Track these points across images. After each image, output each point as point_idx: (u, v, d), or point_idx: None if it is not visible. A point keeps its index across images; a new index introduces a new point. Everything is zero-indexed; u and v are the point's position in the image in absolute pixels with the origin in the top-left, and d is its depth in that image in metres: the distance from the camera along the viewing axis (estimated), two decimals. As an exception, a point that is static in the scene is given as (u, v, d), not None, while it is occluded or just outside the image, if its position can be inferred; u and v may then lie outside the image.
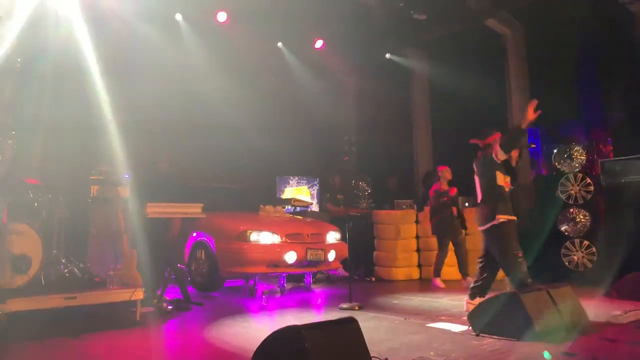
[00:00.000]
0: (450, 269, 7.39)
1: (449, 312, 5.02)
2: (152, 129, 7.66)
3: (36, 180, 4.94)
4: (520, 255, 4.51)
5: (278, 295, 6.28)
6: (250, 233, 5.98)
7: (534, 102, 4.47)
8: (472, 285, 4.89)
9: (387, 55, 10.27)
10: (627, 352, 3.54)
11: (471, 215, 7.69)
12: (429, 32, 9.43)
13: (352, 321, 3.06)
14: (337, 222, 7.21)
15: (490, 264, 4.73)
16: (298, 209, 7.93)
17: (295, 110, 9.81)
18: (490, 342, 3.73)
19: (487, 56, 8.79)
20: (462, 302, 5.53)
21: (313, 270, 6.66)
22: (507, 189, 4.73)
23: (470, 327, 4.07)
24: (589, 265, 6.74)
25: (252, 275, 6.15)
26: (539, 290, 4.07)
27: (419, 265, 8.21)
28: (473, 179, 7.26)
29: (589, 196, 6.87)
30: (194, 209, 5.58)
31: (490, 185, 4.70)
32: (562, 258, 6.91)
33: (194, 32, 8.46)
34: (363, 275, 8.28)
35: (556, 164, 7.24)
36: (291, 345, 2.76)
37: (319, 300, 6.13)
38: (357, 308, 5.16)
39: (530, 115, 4.45)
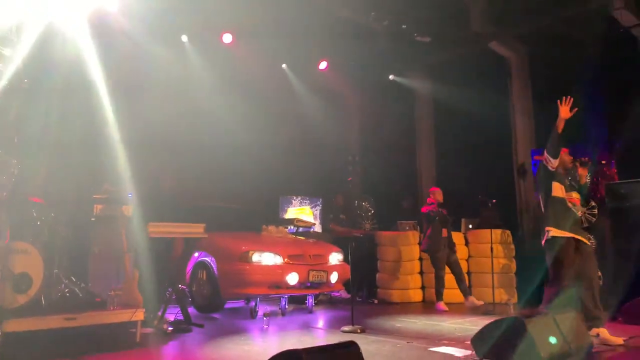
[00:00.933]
0: (452, 292, 7.33)
1: (453, 336, 4.95)
2: (156, 148, 7.71)
3: (40, 198, 4.95)
4: (564, 283, 4.24)
5: (279, 317, 6.22)
6: (252, 254, 5.94)
7: (570, 100, 4.32)
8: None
9: (391, 77, 10.36)
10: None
11: (474, 237, 7.68)
12: (432, 54, 9.52)
13: (352, 345, 3.02)
14: (340, 243, 7.18)
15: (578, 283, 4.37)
16: (301, 229, 7.91)
17: (299, 130, 9.86)
18: (494, 368, 3.67)
19: (491, 78, 8.85)
20: (465, 326, 5.48)
21: (315, 292, 6.60)
22: (570, 204, 4.51)
23: (474, 352, 4.01)
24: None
25: (254, 297, 6.10)
26: (543, 315, 4.01)
27: (422, 288, 8.14)
28: (487, 200, 7.26)
29: (594, 219, 6.83)
30: (197, 229, 5.57)
31: (546, 197, 4.52)
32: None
33: (200, 53, 8.57)
34: (365, 297, 8.21)
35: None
36: (291, 369, 2.73)
37: (321, 323, 6.07)
38: (359, 331, 5.10)
39: (564, 113, 4.31)
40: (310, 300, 6.73)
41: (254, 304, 6.10)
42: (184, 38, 8.52)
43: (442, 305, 7.01)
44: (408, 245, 8.08)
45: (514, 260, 7.86)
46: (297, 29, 8.17)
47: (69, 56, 6.75)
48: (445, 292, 7.20)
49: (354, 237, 7.39)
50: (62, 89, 6.45)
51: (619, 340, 4.42)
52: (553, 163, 4.46)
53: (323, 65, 9.73)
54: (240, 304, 6.97)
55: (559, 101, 4.40)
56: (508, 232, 7.91)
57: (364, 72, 10.10)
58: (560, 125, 4.42)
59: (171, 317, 5.34)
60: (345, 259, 6.70)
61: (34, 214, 4.76)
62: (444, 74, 9.41)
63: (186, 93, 8.47)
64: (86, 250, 5.28)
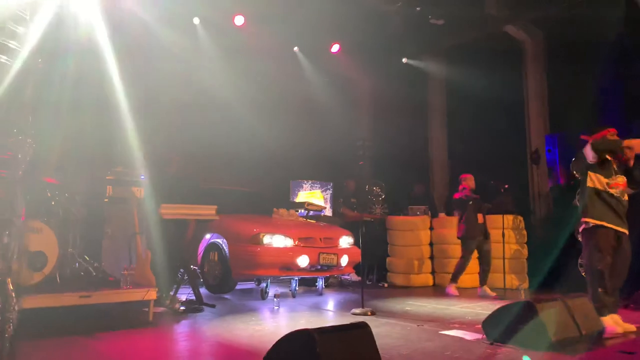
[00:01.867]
0: (467, 277, 7.29)
1: (463, 320, 4.96)
2: (169, 131, 7.72)
3: (54, 179, 5.01)
4: (600, 269, 4.26)
5: (290, 298, 6.27)
6: (264, 236, 5.98)
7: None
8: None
9: (404, 60, 10.25)
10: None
11: (486, 222, 7.62)
12: (446, 37, 9.39)
13: (364, 326, 3.04)
14: (351, 227, 7.18)
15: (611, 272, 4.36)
16: (311, 212, 7.92)
17: (310, 114, 9.82)
18: (504, 352, 3.67)
19: (505, 62, 8.71)
20: (476, 310, 5.48)
21: (325, 274, 6.63)
22: (614, 192, 4.43)
23: (485, 336, 4.01)
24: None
25: (265, 278, 6.15)
26: (555, 300, 4.00)
27: (433, 272, 8.15)
28: (500, 185, 7.14)
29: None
30: (208, 211, 5.60)
31: (582, 187, 4.51)
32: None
33: (212, 36, 8.53)
34: (375, 280, 8.24)
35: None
36: (303, 348, 2.75)
37: (331, 305, 6.11)
38: (369, 313, 5.12)
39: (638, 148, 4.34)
40: (321, 283, 6.77)
41: (264, 285, 6.16)
42: (196, 20, 8.47)
43: (453, 289, 6.96)
44: (419, 230, 8.07)
45: (525, 246, 7.82)
46: (309, 12, 8.09)
47: (82, 38, 6.76)
48: (460, 277, 7.14)
49: (364, 222, 7.38)
50: (75, 70, 6.47)
51: (632, 327, 4.39)
52: (592, 159, 4.42)
53: (335, 48, 9.65)
54: (251, 285, 7.03)
55: None
56: (520, 217, 7.86)
57: (377, 56, 9.99)
58: (627, 145, 4.39)
59: (183, 298, 5.40)
60: (356, 243, 6.71)
61: (49, 194, 4.82)
62: (458, 57, 9.29)
63: (198, 76, 8.46)
64: (99, 230, 5.35)
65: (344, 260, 6.45)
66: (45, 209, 4.73)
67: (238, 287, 6.62)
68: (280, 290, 6.60)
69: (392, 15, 8.91)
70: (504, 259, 7.12)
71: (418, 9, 8.55)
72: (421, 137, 10.33)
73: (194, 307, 5.19)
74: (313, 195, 9.81)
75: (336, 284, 7.86)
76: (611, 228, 4.38)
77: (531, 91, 8.84)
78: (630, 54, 7.84)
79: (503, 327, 3.88)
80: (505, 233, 7.21)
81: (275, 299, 5.48)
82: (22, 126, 4.64)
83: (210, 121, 8.61)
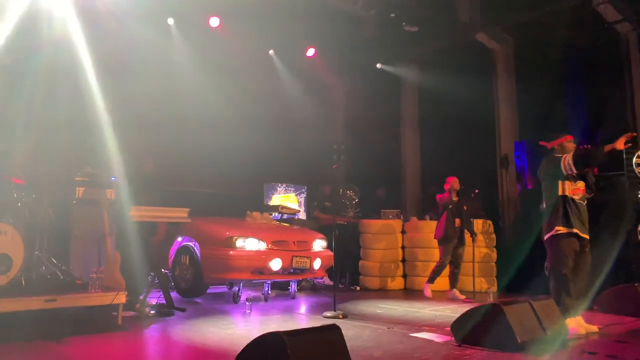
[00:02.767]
0: (439, 280, 7.38)
1: (433, 322, 5.03)
2: (141, 131, 7.62)
3: (21, 179, 4.89)
4: (565, 274, 4.42)
5: (262, 302, 6.25)
6: (236, 239, 5.95)
7: (630, 135, 4.41)
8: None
9: (378, 65, 10.36)
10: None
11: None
12: (420, 44, 9.53)
13: (334, 329, 3.07)
14: (324, 231, 7.21)
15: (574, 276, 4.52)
16: (285, 216, 7.92)
17: (285, 117, 9.83)
18: (472, 353, 3.75)
19: (477, 69, 8.90)
20: (446, 313, 5.57)
21: (298, 278, 6.64)
22: (577, 197, 4.56)
23: (453, 338, 4.09)
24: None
25: (237, 282, 6.12)
26: (521, 302, 4.10)
27: (404, 275, 8.23)
28: (472, 190, 7.26)
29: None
30: (180, 214, 5.54)
31: (553, 195, 4.58)
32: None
33: (186, 36, 8.46)
34: (348, 284, 8.28)
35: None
36: (273, 351, 2.76)
37: (303, 308, 6.12)
38: (341, 317, 5.15)
39: (619, 145, 4.38)
40: (293, 286, 6.77)
41: (237, 289, 6.12)
42: (170, 21, 8.39)
43: (428, 290, 7.05)
44: (391, 234, 8.15)
45: (494, 249, 7.98)
46: (285, 15, 8.10)
47: (55, 36, 6.64)
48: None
49: (337, 225, 7.41)
50: (46, 68, 6.35)
51: (594, 328, 4.54)
52: (572, 171, 4.50)
53: (311, 52, 9.69)
54: (223, 289, 6.99)
55: (631, 135, 4.42)
56: (490, 222, 8.03)
57: (352, 60, 10.08)
58: (608, 150, 4.42)
59: (153, 301, 5.33)
60: (329, 246, 6.74)
61: (15, 195, 4.70)
62: (431, 63, 9.44)
63: (171, 77, 8.36)
64: (67, 232, 5.23)
65: (317, 264, 6.47)
66: (11, 210, 4.61)
67: (210, 290, 6.57)
68: (252, 293, 6.57)
69: (367, 21, 9.00)
70: (473, 262, 7.26)
71: (393, 15, 8.66)
72: (394, 142, 10.45)
73: (164, 311, 5.13)
74: (287, 199, 9.82)
75: (309, 287, 7.87)
76: (577, 234, 4.53)
77: (501, 98, 9.05)
78: (596, 64, 8.11)
79: (471, 329, 3.97)
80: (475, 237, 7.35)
81: (247, 303, 5.46)
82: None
83: (183, 123, 8.52)
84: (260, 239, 6.08)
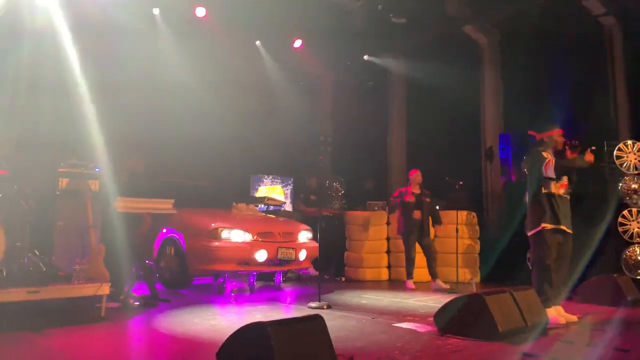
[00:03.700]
0: (421, 271, 7.49)
1: (416, 313, 5.09)
2: (126, 122, 7.55)
3: (3, 170, 4.83)
4: (549, 264, 4.53)
5: (247, 293, 6.26)
6: (222, 230, 5.95)
7: (591, 151, 4.57)
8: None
9: (365, 57, 10.35)
10: (584, 354, 3.65)
11: (444, 218, 7.80)
12: (407, 35, 9.55)
13: (318, 318, 3.10)
14: (310, 222, 7.23)
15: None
16: (271, 207, 7.93)
17: (272, 109, 9.81)
18: (453, 342, 3.80)
19: (464, 62, 8.93)
20: (429, 304, 5.64)
21: (283, 269, 6.66)
22: (562, 192, 4.67)
23: (436, 328, 4.14)
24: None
25: (222, 273, 6.12)
26: (502, 292, 4.17)
27: (389, 267, 8.30)
28: (456, 182, 7.34)
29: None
30: (165, 205, 5.53)
31: (538, 192, 4.65)
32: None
33: (172, 27, 8.38)
34: (333, 275, 8.32)
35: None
36: (257, 341, 2.78)
37: (288, 299, 6.14)
38: (325, 307, 5.19)
39: (589, 158, 4.55)
40: (279, 277, 6.79)
41: (222, 280, 6.13)
42: (156, 11, 8.30)
43: (410, 283, 7.17)
44: (376, 225, 8.20)
45: (478, 241, 8.07)
46: (272, 6, 8.06)
47: (38, 26, 6.54)
48: (415, 271, 7.32)
49: (323, 217, 7.44)
50: (30, 59, 6.26)
51: (574, 318, 4.62)
52: (551, 175, 4.61)
53: (298, 43, 9.65)
54: (208, 280, 6.98)
55: (590, 149, 4.58)
56: (474, 213, 8.11)
57: (339, 52, 10.06)
58: (578, 165, 4.64)
59: (138, 293, 5.32)
60: (315, 238, 6.77)
61: (-4, 186, 4.64)
62: (418, 56, 9.45)
63: (157, 68, 8.29)
64: (50, 223, 5.18)
65: (302, 255, 6.49)
66: (-8, 201, 4.55)
67: (195, 282, 6.56)
68: (237, 285, 6.58)
69: (354, 12, 8.98)
70: (457, 253, 7.34)
71: (380, 6, 8.65)
72: (380, 134, 10.48)
73: (149, 302, 5.13)
74: (273, 190, 9.81)
75: (294, 278, 7.90)
76: (563, 230, 4.63)
77: (487, 90, 9.11)
78: (581, 56, 8.18)
79: (453, 319, 4.02)
80: (459, 228, 7.43)
81: (232, 294, 5.47)
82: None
83: (170, 113, 8.48)
84: (245, 230, 6.08)
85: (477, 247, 8.03)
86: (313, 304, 5.27)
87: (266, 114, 9.68)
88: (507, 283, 5.96)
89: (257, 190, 9.66)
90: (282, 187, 9.99)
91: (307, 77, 10.46)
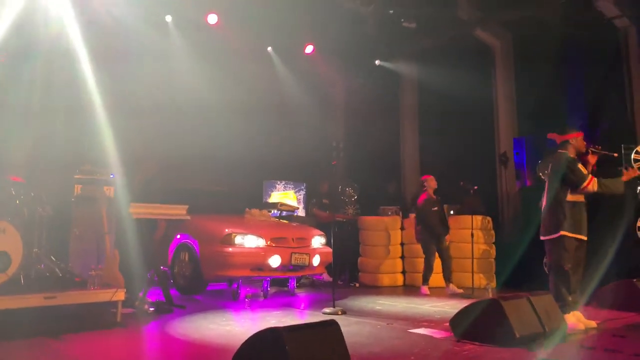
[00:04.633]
0: (435, 276, 7.42)
1: (432, 318, 5.04)
2: (140, 129, 7.61)
3: (19, 177, 4.89)
4: (567, 270, 4.49)
5: (261, 299, 6.25)
6: (235, 236, 5.95)
7: (636, 172, 4.62)
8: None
9: (377, 62, 10.35)
10: (605, 360, 3.59)
11: (455, 223, 7.77)
12: (418, 40, 9.52)
13: (333, 324, 3.07)
14: (323, 228, 7.22)
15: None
16: (284, 213, 7.92)
17: (284, 114, 9.82)
18: (470, 349, 3.75)
19: (476, 65, 8.90)
20: (444, 309, 5.58)
21: (297, 274, 6.64)
22: (581, 199, 4.61)
23: (452, 333, 4.09)
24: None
25: (236, 279, 6.12)
26: (519, 297, 4.11)
27: (403, 272, 8.24)
28: (471, 186, 7.29)
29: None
30: (179, 211, 5.55)
31: (554, 197, 4.60)
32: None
33: (184, 34, 8.45)
34: (347, 280, 8.28)
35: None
36: (272, 347, 2.76)
37: (302, 305, 6.12)
38: (340, 313, 5.16)
39: (627, 177, 4.59)
40: (293, 283, 6.77)
41: (236, 286, 6.12)
42: (168, 18, 8.38)
43: (425, 289, 7.13)
44: (390, 230, 8.16)
45: (493, 245, 7.99)
46: (283, 12, 8.09)
47: (52, 33, 6.64)
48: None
49: (337, 222, 7.43)
50: (45, 67, 6.35)
51: (593, 324, 4.54)
52: (584, 191, 4.57)
53: (309, 49, 9.67)
54: (222, 286, 6.99)
55: (627, 168, 4.67)
56: (489, 218, 8.03)
57: (350, 57, 10.07)
58: (618, 191, 4.66)
59: (153, 298, 5.34)
60: (328, 243, 6.74)
61: (13, 193, 4.70)
62: (430, 60, 9.43)
63: (170, 75, 8.36)
64: (66, 230, 5.23)
65: (316, 261, 6.46)
66: (10, 208, 4.60)
67: (209, 288, 6.57)
68: (251, 290, 6.58)
69: (365, 18, 8.99)
70: (472, 258, 7.26)
71: (391, 11, 8.65)
72: (394, 138, 10.45)
73: (164, 308, 5.13)
74: (286, 196, 9.81)
75: (308, 283, 7.88)
76: (580, 239, 4.58)
77: (500, 94, 9.04)
78: (595, 59, 8.10)
79: (470, 325, 3.97)
80: (474, 233, 7.35)
81: (246, 300, 5.46)
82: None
83: (182, 120, 8.52)
84: (259, 235, 6.08)
85: (493, 252, 7.95)
86: (327, 310, 5.24)
87: (278, 119, 9.69)
88: (523, 288, 5.87)
89: (269, 195, 9.67)
90: (295, 192, 9.99)
91: (319, 82, 10.47)
